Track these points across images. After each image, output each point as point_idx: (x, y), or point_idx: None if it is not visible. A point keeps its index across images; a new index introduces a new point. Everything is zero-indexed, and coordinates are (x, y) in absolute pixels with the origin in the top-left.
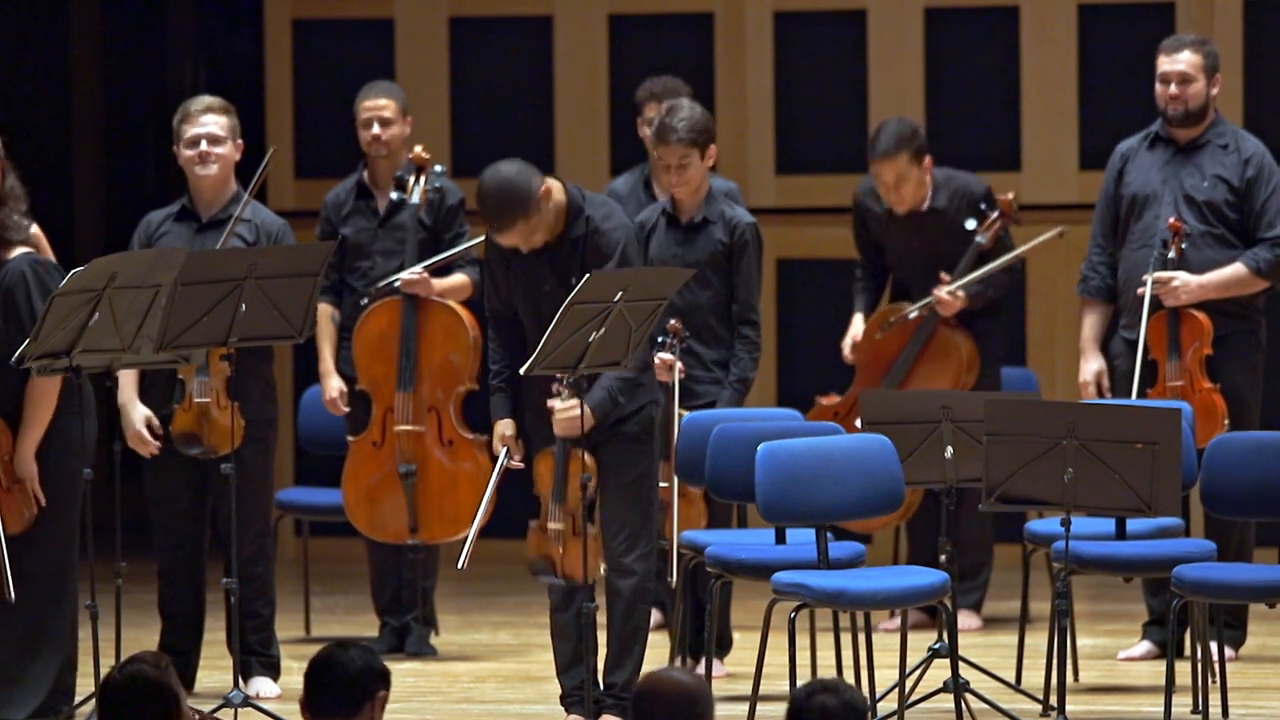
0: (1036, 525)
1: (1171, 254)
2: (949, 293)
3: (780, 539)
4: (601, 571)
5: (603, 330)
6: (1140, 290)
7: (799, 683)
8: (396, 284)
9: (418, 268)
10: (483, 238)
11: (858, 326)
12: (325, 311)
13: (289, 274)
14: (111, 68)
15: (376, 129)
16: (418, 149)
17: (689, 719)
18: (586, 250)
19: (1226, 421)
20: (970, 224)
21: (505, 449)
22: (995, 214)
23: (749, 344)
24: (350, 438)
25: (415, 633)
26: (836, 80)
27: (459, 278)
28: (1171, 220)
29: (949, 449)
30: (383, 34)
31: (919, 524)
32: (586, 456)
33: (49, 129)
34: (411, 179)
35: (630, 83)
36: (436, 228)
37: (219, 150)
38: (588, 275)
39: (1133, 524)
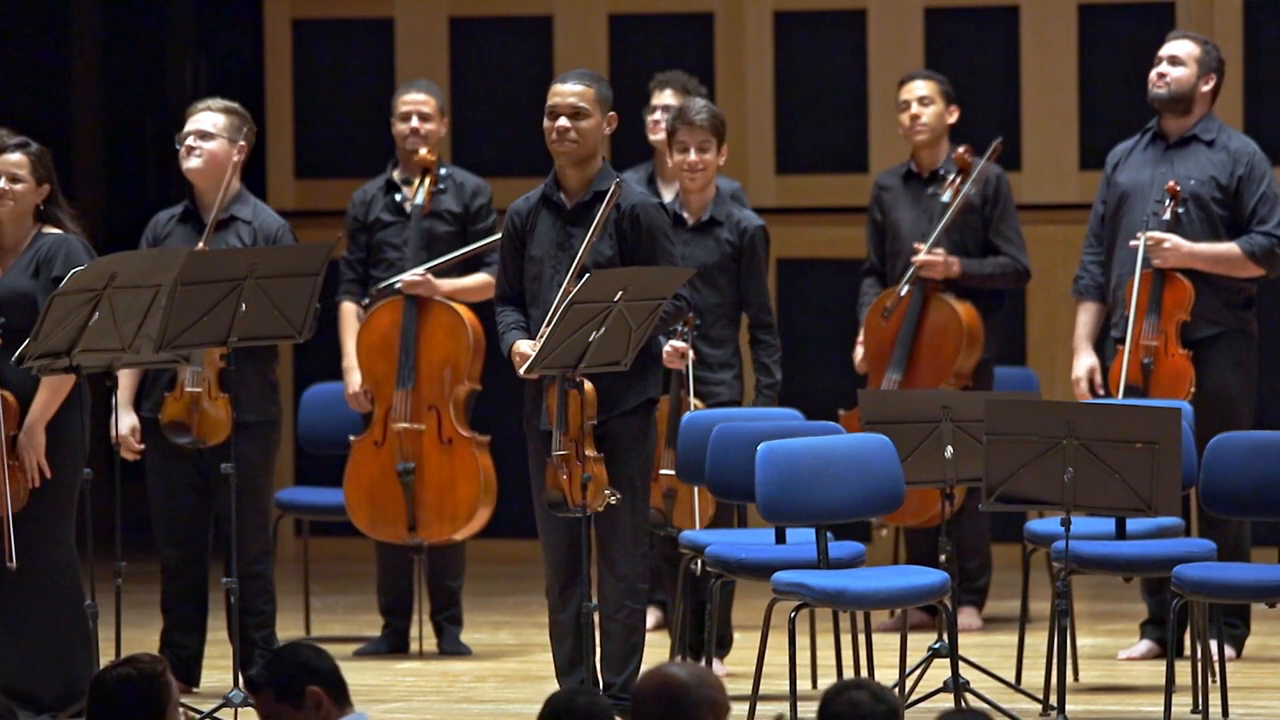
0: (1036, 525)
1: (1167, 215)
2: (927, 251)
3: (780, 539)
4: (613, 500)
5: (602, 330)
6: (1133, 244)
7: (799, 683)
8: (397, 285)
9: (420, 269)
10: (493, 238)
11: (864, 335)
12: (350, 309)
13: (289, 274)
14: (111, 68)
15: (415, 122)
16: (422, 151)
17: (678, 712)
18: (625, 218)
19: (1193, 390)
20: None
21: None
22: (953, 174)
23: (769, 349)
24: (352, 438)
25: (447, 632)
26: (836, 80)
27: (480, 277)
28: (1170, 184)
29: (949, 449)
30: (383, 34)
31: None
32: (586, 385)
33: (49, 129)
34: (416, 181)
35: (630, 83)
36: (465, 219)
37: (206, 145)
38: (588, 275)
39: (1133, 524)
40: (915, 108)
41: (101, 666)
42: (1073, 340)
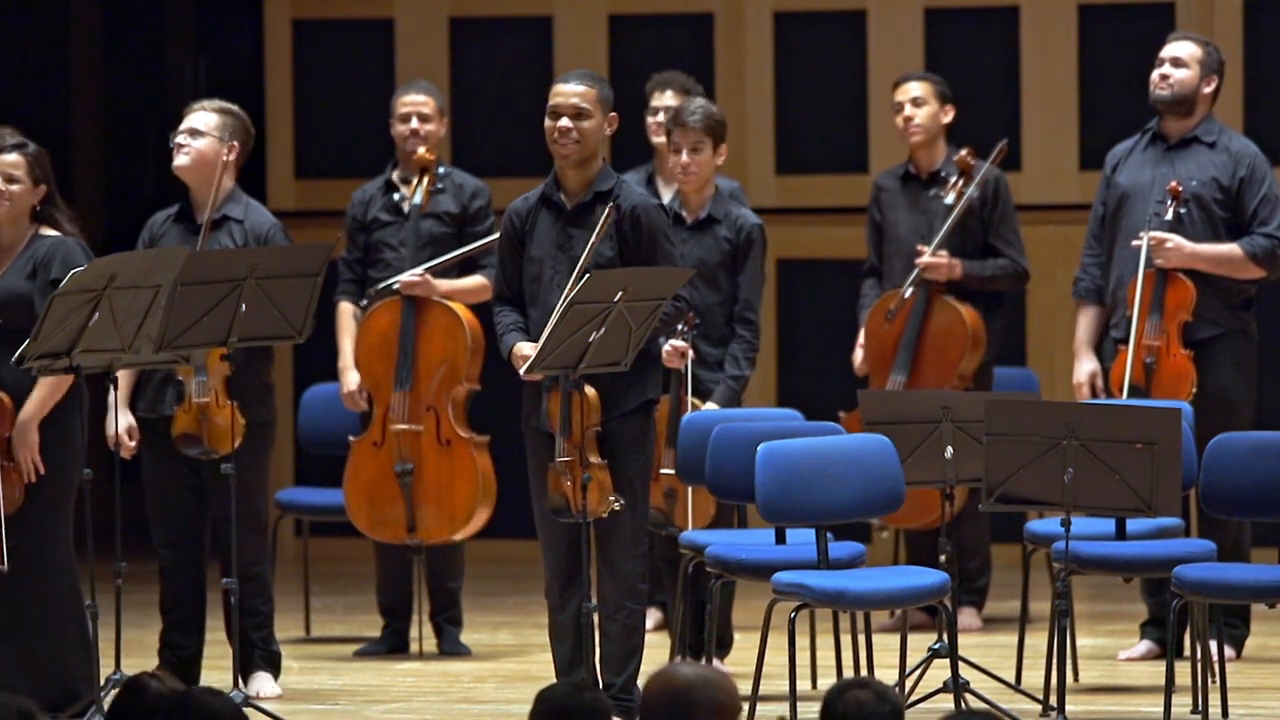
0: (1036, 525)
1: (1168, 216)
2: (931, 253)
3: (780, 539)
4: (617, 506)
5: (602, 330)
6: (1135, 244)
7: (799, 683)
8: (395, 286)
9: (418, 270)
10: (490, 238)
11: (864, 338)
12: (347, 309)
13: (289, 274)
14: (111, 68)
15: (415, 124)
16: (420, 150)
17: (681, 712)
18: (626, 219)
19: (1194, 389)
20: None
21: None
22: (954, 176)
23: (745, 344)
24: (351, 438)
25: (447, 633)
26: (836, 80)
27: (477, 279)
28: (1172, 184)
29: (949, 449)
30: (383, 34)
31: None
32: (589, 390)
33: (49, 129)
34: (415, 180)
35: (630, 83)
36: (463, 220)
37: (195, 143)
38: (588, 275)
39: (1133, 524)
40: (909, 109)
41: (101, 667)
42: (1073, 344)
